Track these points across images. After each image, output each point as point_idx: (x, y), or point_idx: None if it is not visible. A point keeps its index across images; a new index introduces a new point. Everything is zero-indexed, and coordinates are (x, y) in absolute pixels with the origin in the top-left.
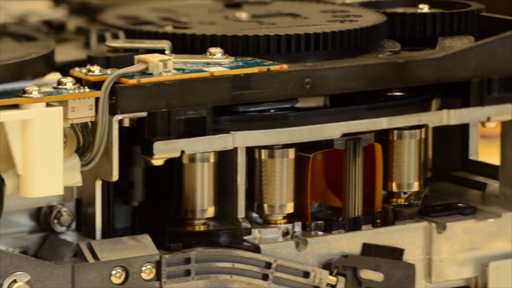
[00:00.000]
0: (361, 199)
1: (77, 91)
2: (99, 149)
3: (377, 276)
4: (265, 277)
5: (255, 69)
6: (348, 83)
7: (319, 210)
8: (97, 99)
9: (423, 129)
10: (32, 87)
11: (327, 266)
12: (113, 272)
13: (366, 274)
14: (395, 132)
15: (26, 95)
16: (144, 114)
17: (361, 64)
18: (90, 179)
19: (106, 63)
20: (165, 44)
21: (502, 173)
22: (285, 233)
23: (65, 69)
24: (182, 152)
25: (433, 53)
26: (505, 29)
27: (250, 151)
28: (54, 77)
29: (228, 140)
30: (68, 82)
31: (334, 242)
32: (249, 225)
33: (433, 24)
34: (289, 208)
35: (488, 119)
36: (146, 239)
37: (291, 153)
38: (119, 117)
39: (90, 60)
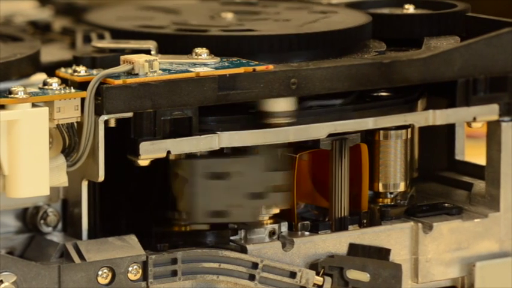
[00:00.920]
0: (348, 199)
1: (62, 91)
2: (85, 149)
3: (363, 277)
4: (251, 277)
5: (240, 70)
6: (333, 83)
7: (306, 211)
8: (83, 99)
9: (409, 130)
10: (18, 88)
11: (314, 266)
12: (100, 273)
13: (353, 274)
14: (381, 132)
15: (12, 95)
16: (130, 114)
17: (347, 64)
18: (76, 179)
19: (92, 63)
20: (151, 45)
21: (488, 173)
22: (272, 233)
23: (50, 69)
24: (168, 152)
25: (418, 53)
26: (491, 29)
27: None
28: (39, 77)
29: (214, 140)
30: (54, 82)
31: (320, 242)
32: (235, 225)
33: (418, 25)
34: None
35: (474, 119)
36: (133, 239)
37: None
38: (104, 117)
39: (76, 61)
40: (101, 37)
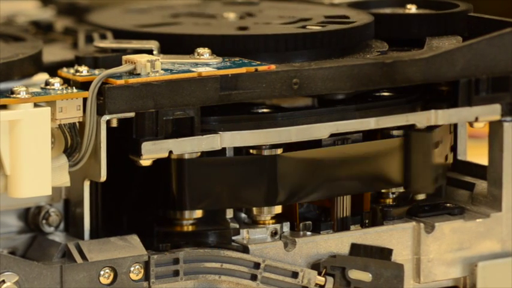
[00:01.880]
0: (350, 199)
1: (64, 91)
2: (87, 149)
3: (365, 276)
4: (253, 277)
5: (242, 70)
6: (335, 83)
7: (308, 211)
8: (85, 99)
9: None
10: (20, 88)
11: (316, 266)
12: (102, 273)
13: (355, 274)
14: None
15: (14, 95)
16: (132, 114)
17: (349, 64)
18: (78, 179)
19: (94, 63)
20: (153, 45)
21: (490, 173)
22: (274, 233)
23: (52, 69)
24: (170, 152)
25: (420, 53)
26: (493, 29)
27: None
28: (41, 77)
29: (216, 140)
30: (56, 82)
31: (322, 242)
32: (237, 226)
33: (420, 25)
34: (277, 208)
35: (476, 119)
36: (135, 239)
37: None
38: (106, 117)
39: (78, 61)
40: (103, 37)
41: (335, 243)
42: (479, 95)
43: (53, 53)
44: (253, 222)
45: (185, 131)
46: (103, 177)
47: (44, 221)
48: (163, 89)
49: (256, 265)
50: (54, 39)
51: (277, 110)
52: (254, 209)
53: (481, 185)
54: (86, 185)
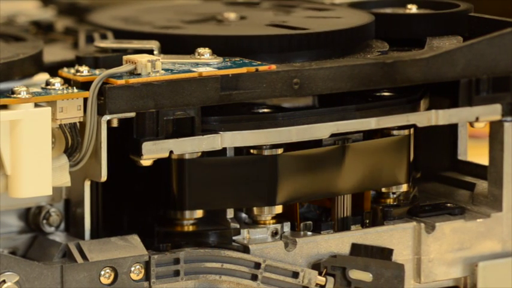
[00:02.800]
0: (350, 199)
1: (65, 91)
2: (88, 149)
3: (366, 277)
4: (254, 277)
5: (243, 70)
6: (336, 83)
7: (308, 210)
8: (85, 99)
9: (411, 129)
10: (20, 88)
11: (316, 266)
12: (102, 273)
13: (355, 274)
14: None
15: (14, 95)
16: (132, 114)
17: (350, 64)
18: (78, 179)
19: (94, 63)
20: (154, 45)
21: (490, 173)
22: (274, 233)
23: (53, 69)
24: (171, 152)
25: (421, 53)
26: (494, 29)
27: None
28: (42, 77)
29: (217, 140)
30: (56, 82)
31: (323, 242)
32: (238, 226)
33: (421, 25)
34: (278, 208)
35: (477, 119)
36: (135, 239)
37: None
38: (107, 117)
39: (79, 61)
40: (103, 37)
41: (335, 243)
42: (479, 95)
43: (53, 53)
44: (254, 222)
45: (186, 131)
46: (103, 177)
47: (44, 221)
48: (163, 89)
49: (257, 265)
50: (54, 39)
51: (277, 110)
52: (255, 209)
53: (482, 185)
54: (87, 185)
